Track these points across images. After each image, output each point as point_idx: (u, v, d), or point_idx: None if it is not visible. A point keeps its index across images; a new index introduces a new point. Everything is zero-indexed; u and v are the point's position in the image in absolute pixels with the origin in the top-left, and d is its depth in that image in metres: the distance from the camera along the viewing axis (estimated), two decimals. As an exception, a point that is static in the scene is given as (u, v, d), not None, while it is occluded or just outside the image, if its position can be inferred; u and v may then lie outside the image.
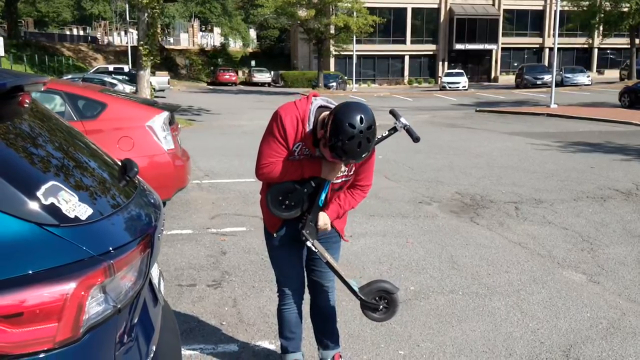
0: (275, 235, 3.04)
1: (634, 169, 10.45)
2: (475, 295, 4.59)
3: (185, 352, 3.58)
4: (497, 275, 5.03)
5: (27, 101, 2.07)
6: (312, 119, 2.78)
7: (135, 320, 1.73)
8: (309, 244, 2.93)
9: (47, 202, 1.51)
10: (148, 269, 1.79)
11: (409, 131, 3.08)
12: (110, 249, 1.56)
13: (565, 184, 8.98)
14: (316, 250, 2.96)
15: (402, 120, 3.05)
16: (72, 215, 1.53)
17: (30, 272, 1.41)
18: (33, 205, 1.48)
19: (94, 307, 1.49)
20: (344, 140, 2.57)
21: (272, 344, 3.77)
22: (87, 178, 1.85)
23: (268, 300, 4.49)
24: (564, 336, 3.89)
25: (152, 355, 1.83)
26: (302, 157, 2.84)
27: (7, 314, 1.36)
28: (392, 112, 3.14)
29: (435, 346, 3.74)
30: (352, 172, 2.98)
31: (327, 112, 2.73)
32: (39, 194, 1.51)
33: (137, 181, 2.16)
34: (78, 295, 1.43)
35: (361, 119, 2.59)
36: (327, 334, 3.29)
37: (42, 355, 1.40)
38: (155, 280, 2.09)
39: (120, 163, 2.20)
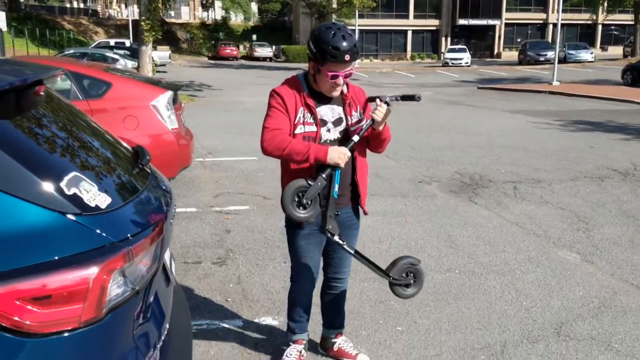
0: (304, 226, 3.03)
1: (633, 148, 10.54)
2: (471, 274, 4.74)
3: (192, 327, 3.73)
4: (494, 255, 5.17)
5: (42, 91, 2.17)
6: (304, 84, 2.94)
7: (151, 301, 1.86)
8: (336, 238, 2.96)
9: (70, 192, 1.62)
10: (162, 253, 1.92)
11: (406, 98, 3.01)
12: (129, 235, 1.68)
13: (564, 164, 9.09)
14: (343, 243, 2.99)
15: (389, 96, 3.00)
16: (93, 205, 1.65)
17: (57, 257, 1.53)
18: (57, 196, 1.60)
19: (115, 290, 1.62)
20: (328, 40, 2.75)
21: (275, 320, 3.92)
22: (104, 168, 1.97)
23: (271, 277, 4.63)
24: (556, 314, 4.04)
25: (165, 332, 1.97)
26: (306, 126, 2.89)
27: (36, 296, 1.49)
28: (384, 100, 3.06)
29: (431, 323, 3.89)
30: (362, 117, 3.02)
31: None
32: (62, 184, 1.63)
33: (148, 168, 2.28)
34: (101, 279, 1.56)
35: (332, 23, 2.86)
36: (335, 315, 3.43)
37: (68, 334, 1.53)
38: (167, 263, 2.22)
39: (132, 150, 2.32)
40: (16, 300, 1.46)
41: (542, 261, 5.04)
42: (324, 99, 2.94)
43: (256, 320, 3.94)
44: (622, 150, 10.26)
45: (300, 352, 3.37)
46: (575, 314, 4.05)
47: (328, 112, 2.96)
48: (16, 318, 1.46)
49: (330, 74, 2.80)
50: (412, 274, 3.15)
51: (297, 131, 2.90)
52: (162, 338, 1.93)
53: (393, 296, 4.25)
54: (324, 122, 2.95)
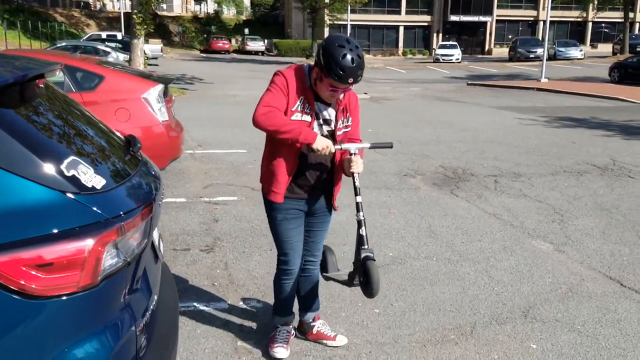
0: (282, 203, 3.21)
1: (613, 144, 10.83)
2: (448, 261, 4.98)
3: (179, 308, 3.93)
4: (470, 244, 5.41)
5: (42, 84, 2.36)
6: (308, 77, 3.07)
7: (141, 273, 2.08)
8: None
9: (69, 174, 1.83)
10: (151, 230, 2.13)
11: (377, 146, 3.37)
12: (121, 213, 1.89)
13: (545, 159, 9.35)
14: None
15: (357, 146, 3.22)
16: (89, 185, 1.86)
17: (58, 230, 1.74)
18: (58, 177, 1.80)
19: (109, 260, 1.83)
20: (337, 59, 2.85)
21: (259, 303, 4.14)
22: (99, 153, 2.17)
23: (257, 264, 4.85)
24: (525, 299, 4.28)
25: (154, 303, 2.18)
26: (303, 115, 3.05)
27: (40, 264, 1.70)
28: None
29: (407, 305, 4.13)
30: (349, 122, 3.22)
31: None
32: (62, 167, 1.83)
33: (139, 156, 2.48)
34: (96, 250, 1.77)
35: (347, 39, 2.91)
36: (312, 298, 3.61)
37: (67, 297, 1.75)
38: (156, 241, 2.43)
39: (124, 138, 2.52)
40: (22, 266, 1.67)
41: (516, 250, 5.28)
42: (322, 98, 3.10)
43: (241, 303, 4.15)
44: (602, 146, 10.54)
45: (290, 332, 3.54)
46: (543, 298, 4.30)
47: (322, 109, 3.14)
48: (22, 282, 1.67)
49: (330, 88, 2.97)
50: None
51: (293, 118, 3.05)
52: (151, 307, 2.14)
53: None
54: (317, 116, 3.13)
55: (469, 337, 3.71)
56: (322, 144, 3.01)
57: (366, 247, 3.05)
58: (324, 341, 3.59)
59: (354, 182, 3.18)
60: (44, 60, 2.49)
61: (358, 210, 3.13)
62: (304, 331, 3.67)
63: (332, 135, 3.19)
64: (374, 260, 3.02)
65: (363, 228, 3.10)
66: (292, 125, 2.97)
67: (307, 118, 3.08)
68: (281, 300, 3.51)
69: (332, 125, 3.18)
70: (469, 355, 3.51)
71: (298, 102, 3.04)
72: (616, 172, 8.45)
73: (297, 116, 3.05)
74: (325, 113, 3.15)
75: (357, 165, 3.14)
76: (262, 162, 3.32)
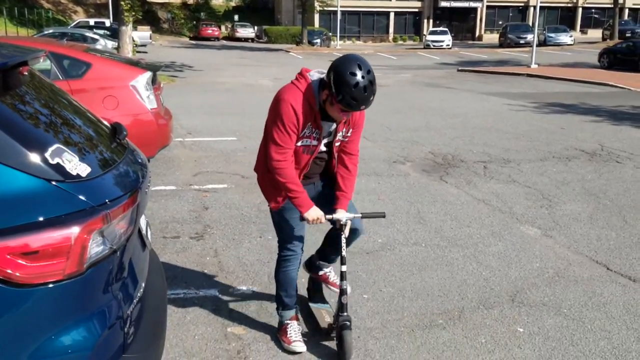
0: (283, 205, 3.23)
1: (602, 130, 10.88)
2: (436, 247, 5.01)
3: (169, 296, 3.95)
4: (459, 229, 5.44)
5: (26, 72, 2.35)
6: (317, 98, 3.00)
7: (128, 260, 2.08)
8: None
9: (54, 162, 1.82)
10: (137, 218, 2.13)
11: (368, 216, 3.45)
12: (107, 200, 1.89)
13: (534, 145, 9.39)
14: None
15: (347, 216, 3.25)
16: (74, 173, 1.86)
17: (43, 218, 1.74)
18: (43, 165, 1.79)
19: (95, 248, 1.84)
20: (350, 89, 2.80)
21: (249, 289, 4.16)
22: (85, 141, 2.16)
23: (247, 251, 4.86)
24: (513, 283, 4.32)
25: (142, 290, 2.19)
26: (310, 140, 3.05)
27: (25, 252, 1.70)
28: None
29: (396, 291, 4.16)
30: (349, 134, 3.20)
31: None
32: (47, 155, 1.82)
33: (125, 142, 2.48)
34: (82, 238, 1.77)
35: (359, 65, 2.84)
36: (335, 255, 3.47)
37: (53, 285, 1.75)
38: (143, 229, 2.43)
39: (110, 126, 2.51)
40: (7, 255, 1.67)
41: (504, 235, 5.32)
42: (328, 115, 3.06)
43: (231, 290, 4.16)
44: (591, 132, 10.59)
45: (299, 326, 3.47)
46: (531, 282, 4.34)
47: (326, 127, 3.12)
48: (8, 270, 1.67)
49: (342, 112, 2.95)
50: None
51: (300, 143, 3.05)
52: (139, 294, 2.15)
53: (362, 267, 4.55)
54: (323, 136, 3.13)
55: (456, 322, 3.74)
56: (312, 216, 3.10)
57: (345, 314, 3.22)
58: (329, 285, 3.54)
59: (342, 251, 3.25)
60: (27, 47, 2.47)
61: (342, 279, 3.25)
62: (310, 268, 3.66)
63: (329, 146, 3.20)
64: (350, 329, 3.21)
65: (345, 296, 3.24)
66: (296, 188, 3.06)
67: (314, 142, 3.09)
68: (286, 290, 3.43)
69: (331, 137, 3.18)
70: (456, 339, 3.54)
71: (306, 130, 3.02)
72: (604, 158, 8.50)
73: (303, 142, 3.06)
74: (328, 128, 3.13)
75: (346, 233, 3.26)
76: (261, 169, 3.28)
